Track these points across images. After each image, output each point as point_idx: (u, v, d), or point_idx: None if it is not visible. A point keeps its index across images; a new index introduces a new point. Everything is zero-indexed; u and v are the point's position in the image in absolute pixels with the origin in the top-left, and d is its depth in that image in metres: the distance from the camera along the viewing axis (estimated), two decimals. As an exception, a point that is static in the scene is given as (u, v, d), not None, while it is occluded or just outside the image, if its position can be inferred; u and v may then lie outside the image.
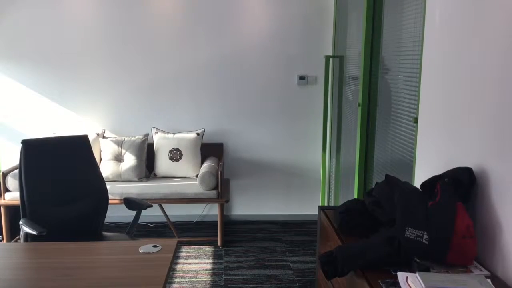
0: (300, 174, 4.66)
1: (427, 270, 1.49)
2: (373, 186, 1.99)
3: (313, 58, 4.48)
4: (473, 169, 1.71)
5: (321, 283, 2.28)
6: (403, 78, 2.60)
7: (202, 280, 3.47)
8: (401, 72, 2.63)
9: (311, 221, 4.63)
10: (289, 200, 4.76)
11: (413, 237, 1.55)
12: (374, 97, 3.09)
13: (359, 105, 3.13)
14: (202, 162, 4.37)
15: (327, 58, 4.35)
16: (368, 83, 3.10)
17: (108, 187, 3.05)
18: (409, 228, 1.56)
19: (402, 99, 2.61)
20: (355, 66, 3.59)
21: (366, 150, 3.13)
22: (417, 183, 2.20)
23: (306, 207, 4.68)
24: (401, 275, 1.45)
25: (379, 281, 1.49)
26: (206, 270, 3.64)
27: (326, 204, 4.57)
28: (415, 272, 1.42)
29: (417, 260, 1.55)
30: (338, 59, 4.19)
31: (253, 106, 4.63)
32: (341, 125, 4.13)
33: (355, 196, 3.21)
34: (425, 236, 1.53)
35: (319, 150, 4.61)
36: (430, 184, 1.73)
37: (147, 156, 4.39)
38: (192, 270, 3.63)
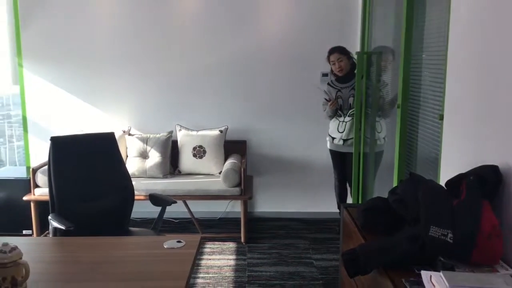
0: (324, 171, 4.63)
1: (451, 269, 1.47)
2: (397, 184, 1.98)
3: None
4: (499, 167, 1.68)
5: (344, 281, 2.27)
6: (428, 75, 2.56)
7: (226, 276, 3.50)
8: (427, 68, 2.59)
9: (334, 218, 4.61)
10: (313, 197, 4.74)
11: (437, 236, 1.53)
12: (405, 96, 2.99)
13: (398, 107, 3.01)
14: (225, 159, 4.40)
15: (359, 54, 4.26)
16: (407, 83, 2.98)
17: (133, 183, 3.10)
18: (434, 227, 1.54)
19: (427, 95, 2.57)
20: (384, 62, 3.51)
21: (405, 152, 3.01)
22: (443, 181, 2.16)
23: (330, 204, 4.65)
24: (425, 274, 1.44)
25: (403, 280, 1.48)
26: (229, 266, 3.67)
27: (356, 202, 4.52)
28: (439, 271, 1.41)
29: (442, 259, 1.53)
30: (365, 55, 4.13)
31: (276, 103, 4.63)
32: (374, 123, 4.05)
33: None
34: (450, 235, 1.51)
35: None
36: (456, 182, 1.71)
37: (171, 153, 4.45)
38: (216, 266, 3.67)
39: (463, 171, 1.80)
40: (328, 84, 4.19)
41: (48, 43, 4.56)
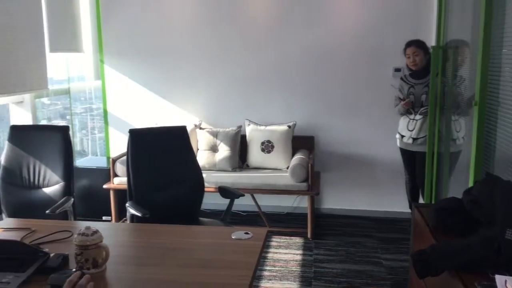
0: (393, 169, 4.51)
1: (529, 275, 1.40)
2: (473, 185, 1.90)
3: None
4: None
5: (414, 282, 2.22)
6: (509, 70, 2.42)
7: (292, 270, 3.53)
8: (507, 64, 2.44)
9: (405, 218, 4.48)
10: (382, 195, 4.64)
11: (515, 240, 1.46)
12: (484, 93, 2.84)
13: (475, 104, 2.87)
14: (293, 155, 4.42)
15: (435, 49, 4.10)
16: (486, 79, 2.82)
17: (204, 175, 3.21)
18: (510, 230, 1.47)
19: (507, 93, 2.42)
20: (461, 57, 3.35)
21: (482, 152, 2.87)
22: (523, 183, 2.04)
23: (399, 204, 4.53)
24: (499, 278, 1.38)
25: (475, 283, 1.43)
26: (296, 260, 3.70)
27: (428, 202, 4.38)
28: (516, 276, 1.34)
29: (519, 263, 1.45)
30: (441, 49, 3.95)
31: (345, 99, 4.57)
32: (450, 122, 3.89)
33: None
34: (529, 239, 1.43)
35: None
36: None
37: (240, 147, 4.54)
38: (282, 260, 3.71)
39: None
40: (401, 78, 4.06)
41: (126, 39, 4.82)
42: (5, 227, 2.24)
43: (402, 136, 4.03)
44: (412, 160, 4.07)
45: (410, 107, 3.92)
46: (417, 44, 3.90)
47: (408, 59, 3.93)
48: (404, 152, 4.10)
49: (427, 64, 3.90)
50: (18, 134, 3.01)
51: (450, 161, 3.82)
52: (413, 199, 4.20)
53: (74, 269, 1.70)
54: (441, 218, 1.92)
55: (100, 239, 1.77)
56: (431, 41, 4.16)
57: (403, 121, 4.03)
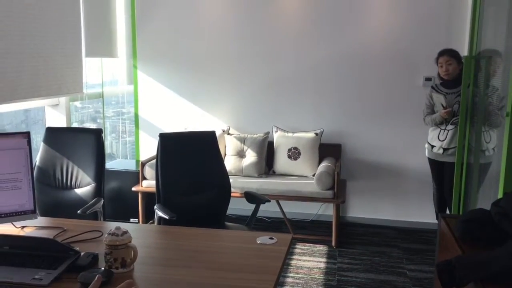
0: (421, 179, 4.45)
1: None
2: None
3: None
4: None
5: (438, 293, 2.19)
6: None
7: (315, 278, 3.53)
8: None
9: (431, 229, 4.41)
10: (408, 206, 4.58)
11: (544, 253, 1.44)
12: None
13: (507, 115, 2.83)
14: (320, 162, 4.42)
15: (467, 59, 4.04)
16: None
17: (230, 180, 3.24)
18: (539, 243, 1.45)
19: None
20: (493, 67, 3.30)
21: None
22: (555, 197, 2.00)
23: (426, 214, 4.46)
24: (527, 292, 1.36)
25: (502, 296, 1.41)
26: (319, 268, 3.69)
27: (456, 213, 4.30)
28: (544, 291, 1.32)
29: (548, 278, 1.43)
30: (473, 59, 3.90)
31: (373, 107, 4.55)
32: (480, 132, 3.83)
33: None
34: (559, 254, 1.41)
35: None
36: None
37: (267, 153, 4.57)
38: (305, 267, 3.71)
39: None
40: (432, 87, 4.02)
41: (159, 46, 4.93)
42: (39, 225, 2.32)
43: (432, 146, 3.97)
44: (441, 170, 4.01)
45: (448, 117, 3.86)
46: (450, 53, 3.86)
47: (441, 68, 3.88)
48: (433, 162, 4.04)
49: (459, 74, 3.84)
50: (53, 135, 3.11)
51: (479, 173, 3.75)
52: (440, 210, 4.14)
53: (103, 268, 1.76)
54: (468, 229, 1.90)
55: (129, 239, 1.82)
56: (463, 51, 4.11)
57: (433, 131, 3.98)
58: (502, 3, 3.31)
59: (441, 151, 3.91)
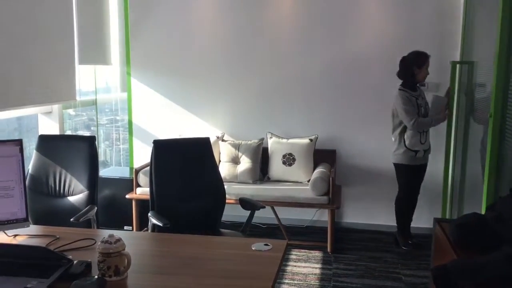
0: (416, 184, 4.46)
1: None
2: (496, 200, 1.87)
3: (435, 64, 4.24)
4: None
5: (434, 298, 2.18)
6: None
7: (311, 284, 3.51)
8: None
9: (426, 234, 4.41)
10: (404, 211, 4.57)
11: (539, 257, 1.44)
12: (504, 107, 2.84)
13: (490, 116, 2.86)
14: (314, 168, 4.42)
15: (453, 64, 4.09)
16: (501, 91, 2.82)
17: (225, 187, 3.23)
18: (534, 247, 1.45)
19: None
20: (486, 72, 3.35)
21: (497, 163, 2.86)
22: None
23: (421, 219, 4.46)
24: (522, 296, 1.35)
25: (497, 300, 1.40)
26: (315, 274, 3.68)
27: (447, 217, 4.32)
28: (540, 294, 1.32)
29: (543, 282, 1.43)
30: (466, 65, 3.94)
31: (367, 113, 4.56)
32: (467, 135, 3.88)
33: (483, 212, 2.98)
34: (554, 257, 1.41)
35: (439, 161, 4.37)
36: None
37: (261, 159, 4.56)
38: (301, 273, 3.69)
39: None
40: (405, 91, 3.97)
41: (153, 53, 4.92)
42: (31, 233, 2.30)
43: (416, 152, 3.95)
44: (418, 174, 4.10)
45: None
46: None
47: (425, 70, 3.94)
48: (414, 168, 4.03)
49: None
50: (46, 143, 3.09)
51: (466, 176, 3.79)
52: (410, 215, 4.23)
53: (96, 276, 1.74)
54: (462, 233, 1.90)
55: (123, 247, 1.80)
56: (456, 58, 4.17)
57: (415, 137, 3.93)
58: (487, 12, 3.36)
59: (422, 153, 3.96)
